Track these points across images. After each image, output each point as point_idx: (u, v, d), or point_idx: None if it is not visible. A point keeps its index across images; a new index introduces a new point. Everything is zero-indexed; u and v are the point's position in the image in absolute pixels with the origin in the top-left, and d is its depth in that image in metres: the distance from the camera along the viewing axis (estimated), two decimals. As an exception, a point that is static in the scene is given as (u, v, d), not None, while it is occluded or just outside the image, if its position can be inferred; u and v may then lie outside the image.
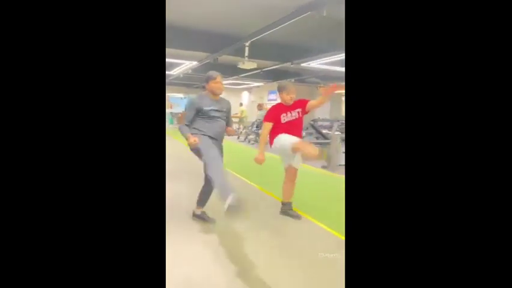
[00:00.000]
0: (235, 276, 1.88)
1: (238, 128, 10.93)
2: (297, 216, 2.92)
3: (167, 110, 18.27)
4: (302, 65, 6.78)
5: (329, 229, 2.69)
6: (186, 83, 14.70)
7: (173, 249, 2.01)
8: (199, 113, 2.46)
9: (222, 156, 2.50)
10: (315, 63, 6.76)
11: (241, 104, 14.11)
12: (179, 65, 8.32)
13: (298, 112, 2.83)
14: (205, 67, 8.11)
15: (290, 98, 2.79)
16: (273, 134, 2.82)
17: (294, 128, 2.79)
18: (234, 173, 4.71)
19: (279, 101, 2.94)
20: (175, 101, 18.62)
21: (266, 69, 8.26)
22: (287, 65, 7.11)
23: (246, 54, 5.20)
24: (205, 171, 2.45)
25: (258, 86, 14.35)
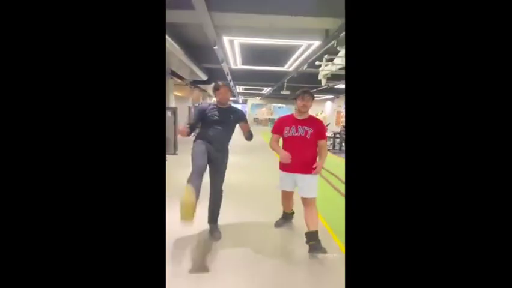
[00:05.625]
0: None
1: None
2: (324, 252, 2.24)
3: (269, 116, 23.14)
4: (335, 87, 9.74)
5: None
6: (284, 96, 19.81)
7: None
8: (202, 120, 2.54)
9: (220, 163, 2.53)
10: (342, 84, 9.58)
11: (321, 112, 17.99)
12: (262, 89, 14.15)
13: (307, 131, 2.30)
14: (278, 89, 12.12)
15: (303, 105, 2.31)
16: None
17: (296, 149, 2.30)
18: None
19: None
20: (276, 110, 23.78)
21: (316, 89, 10.88)
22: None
23: (285, 86, 9.06)
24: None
25: (338, 97, 17.14)
